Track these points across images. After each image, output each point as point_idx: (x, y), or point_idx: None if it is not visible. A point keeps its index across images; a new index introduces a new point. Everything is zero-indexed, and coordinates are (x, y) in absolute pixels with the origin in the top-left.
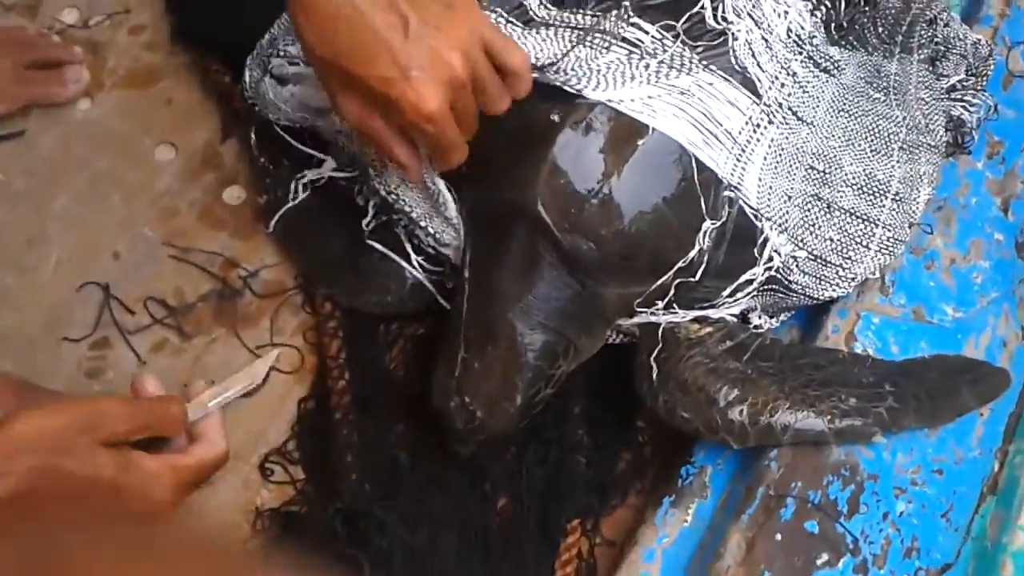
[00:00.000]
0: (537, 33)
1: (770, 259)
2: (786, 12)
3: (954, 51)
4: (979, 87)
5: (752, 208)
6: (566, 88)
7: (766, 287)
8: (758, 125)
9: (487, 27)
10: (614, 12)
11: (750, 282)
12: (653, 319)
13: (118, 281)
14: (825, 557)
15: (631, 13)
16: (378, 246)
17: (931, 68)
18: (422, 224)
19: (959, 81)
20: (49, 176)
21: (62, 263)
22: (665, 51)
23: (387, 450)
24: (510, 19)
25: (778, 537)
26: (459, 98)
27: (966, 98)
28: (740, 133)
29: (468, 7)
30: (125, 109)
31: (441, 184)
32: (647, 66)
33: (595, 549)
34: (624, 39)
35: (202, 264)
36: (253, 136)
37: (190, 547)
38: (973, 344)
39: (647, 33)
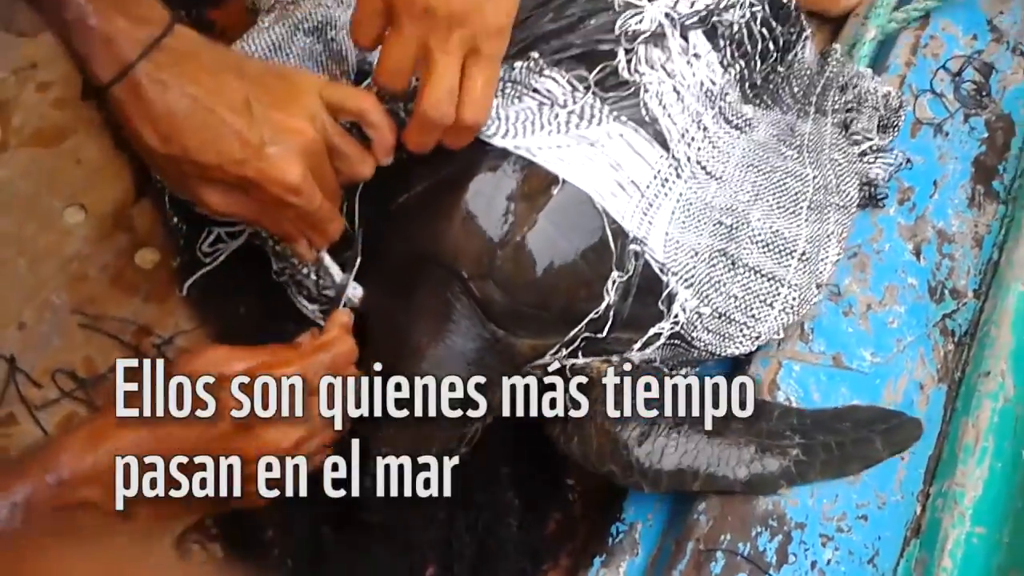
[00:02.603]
0: None
1: (676, 315)
2: (698, 64)
3: (866, 104)
4: (892, 136)
5: (658, 262)
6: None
7: (669, 341)
8: (666, 179)
9: (324, 86)
10: (524, 63)
11: (658, 335)
12: (559, 364)
13: (24, 353)
14: None
15: (543, 64)
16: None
17: (844, 132)
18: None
19: (870, 140)
20: None
21: None
22: (576, 102)
23: (310, 522)
24: None
25: None
26: (317, 165)
27: (880, 158)
28: (648, 187)
29: (300, 73)
30: (32, 169)
31: (325, 257)
32: (556, 116)
33: None
34: (535, 89)
35: (114, 332)
36: (167, 196)
37: None
38: (891, 388)
39: (558, 83)
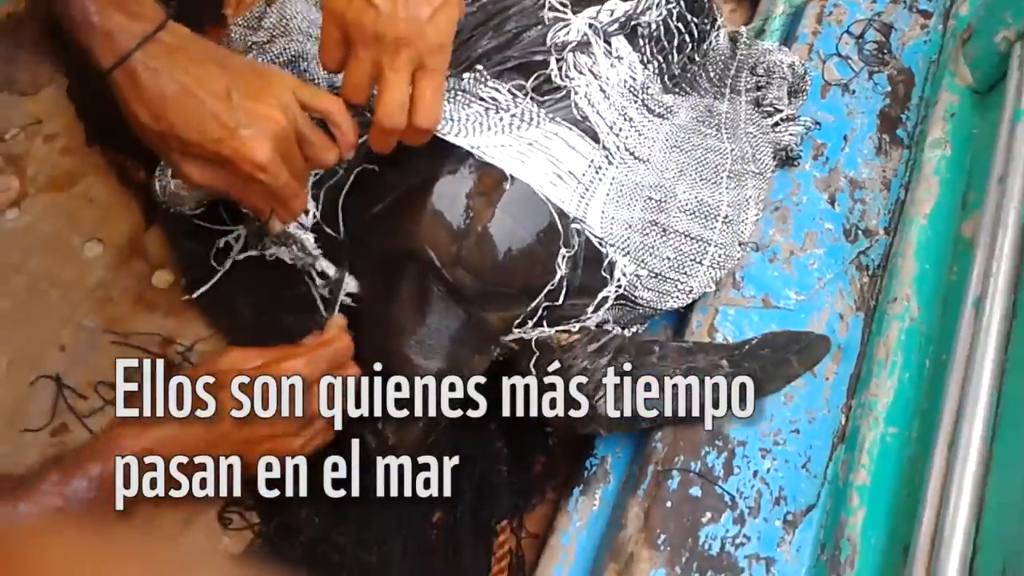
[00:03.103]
0: None
1: (618, 279)
2: (620, 65)
3: (775, 76)
4: (801, 100)
5: (597, 237)
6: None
7: (617, 303)
8: (599, 167)
9: (298, 85)
10: (471, 75)
11: (606, 299)
12: (526, 336)
13: (67, 371)
14: (709, 515)
15: (486, 76)
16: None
17: (757, 107)
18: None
19: (780, 110)
20: None
21: (14, 363)
22: (516, 107)
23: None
24: None
25: (668, 504)
26: (286, 149)
27: (790, 127)
28: (584, 175)
29: (277, 72)
30: (51, 212)
31: (291, 227)
32: (501, 119)
33: (522, 543)
34: (481, 97)
35: (142, 345)
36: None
37: None
38: (815, 320)
39: (500, 92)
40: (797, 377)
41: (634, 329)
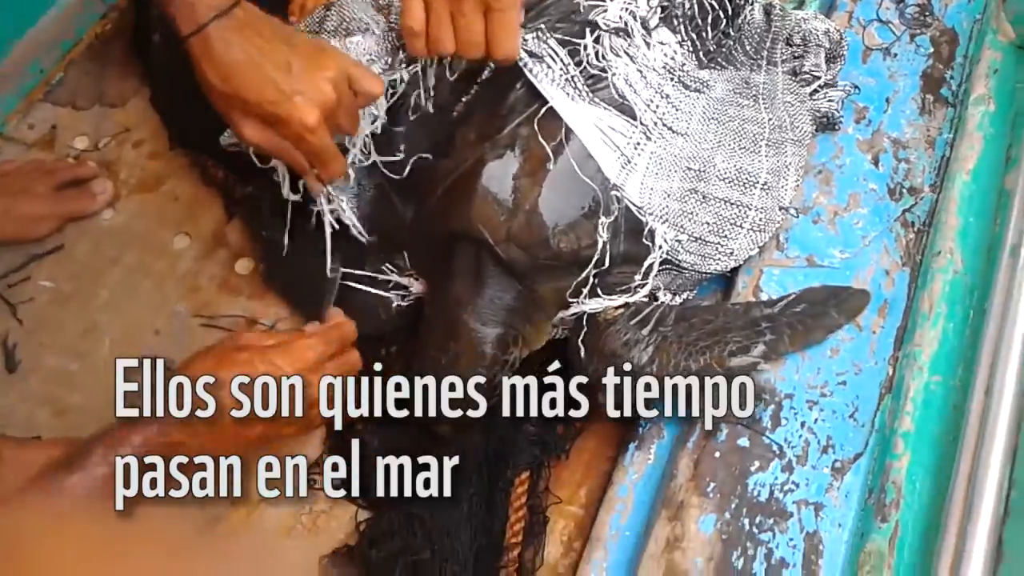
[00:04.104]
0: None
1: (660, 245)
2: (660, 46)
3: (811, 43)
4: (840, 65)
5: (636, 206)
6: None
7: (663, 268)
8: (638, 143)
9: (351, 64)
10: (533, 35)
11: (652, 266)
12: (583, 308)
13: (163, 352)
14: (757, 464)
15: (548, 35)
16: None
17: (795, 76)
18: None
19: (818, 77)
20: (90, 277)
21: (114, 345)
22: (569, 72)
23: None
24: None
25: (717, 454)
26: (332, 116)
27: (827, 94)
28: (624, 148)
29: (337, 52)
30: (141, 211)
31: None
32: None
33: (547, 502)
34: (541, 56)
35: (228, 326)
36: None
37: None
38: (860, 277)
39: (559, 55)
40: (839, 328)
41: (685, 295)
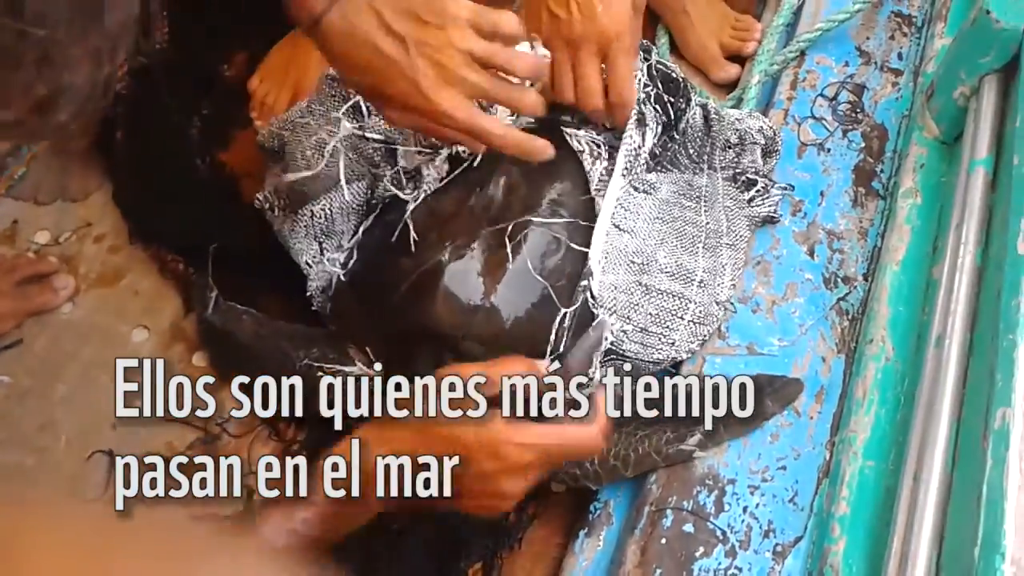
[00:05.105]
0: None
1: (606, 336)
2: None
3: (747, 140)
4: (775, 159)
5: (592, 297)
6: None
7: (608, 358)
8: None
9: (469, 11)
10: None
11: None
12: None
13: (119, 446)
14: (702, 549)
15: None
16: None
17: (734, 181)
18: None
19: (755, 177)
20: (48, 371)
21: (71, 440)
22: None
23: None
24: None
25: (663, 541)
26: (471, 86)
27: (765, 199)
28: None
29: (444, 6)
30: (101, 305)
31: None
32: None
33: None
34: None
35: (184, 420)
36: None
37: None
38: (799, 364)
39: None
40: (773, 416)
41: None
